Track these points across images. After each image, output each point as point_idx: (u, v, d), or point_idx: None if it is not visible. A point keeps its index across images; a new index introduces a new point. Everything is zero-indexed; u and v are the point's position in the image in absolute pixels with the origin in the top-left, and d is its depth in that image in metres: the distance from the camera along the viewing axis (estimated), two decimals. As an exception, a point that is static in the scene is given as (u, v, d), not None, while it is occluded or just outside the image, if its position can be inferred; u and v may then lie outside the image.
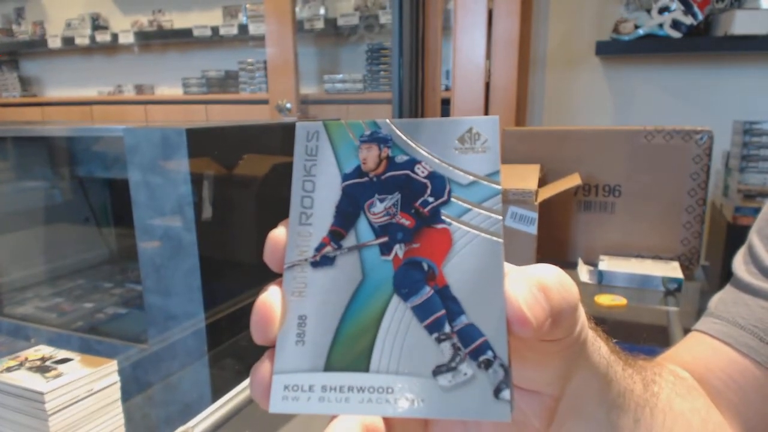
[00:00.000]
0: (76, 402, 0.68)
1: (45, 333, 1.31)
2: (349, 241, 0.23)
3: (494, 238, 0.22)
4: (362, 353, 0.22)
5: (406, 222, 0.23)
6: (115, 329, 1.32)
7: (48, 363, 0.71)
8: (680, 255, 1.08)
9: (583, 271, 1.05)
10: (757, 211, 1.62)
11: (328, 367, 0.21)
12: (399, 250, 0.23)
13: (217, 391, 0.84)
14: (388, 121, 0.24)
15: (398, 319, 0.22)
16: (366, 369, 0.21)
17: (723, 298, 0.48)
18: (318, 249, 0.23)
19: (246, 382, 0.75)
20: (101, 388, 0.71)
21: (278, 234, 0.23)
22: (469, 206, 0.23)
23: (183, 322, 1.10)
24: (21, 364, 0.70)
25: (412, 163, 0.23)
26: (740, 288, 0.47)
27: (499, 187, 0.23)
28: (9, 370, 0.69)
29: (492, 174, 0.23)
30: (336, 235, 0.23)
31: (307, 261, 0.23)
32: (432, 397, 0.21)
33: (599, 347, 0.29)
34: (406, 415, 0.21)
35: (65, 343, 1.27)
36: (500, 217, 0.23)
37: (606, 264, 1.04)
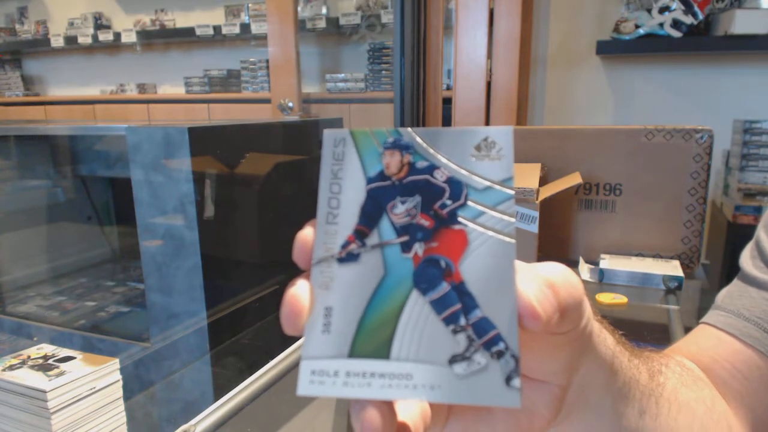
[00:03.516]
0: (79, 400, 0.69)
1: (47, 331, 1.31)
2: (373, 239, 0.25)
3: (507, 239, 0.24)
4: (384, 342, 0.23)
5: (426, 223, 0.25)
6: (118, 328, 1.32)
7: (50, 361, 0.71)
8: (681, 253, 1.08)
9: (584, 270, 1.05)
10: (756, 209, 1.62)
11: (352, 354, 0.23)
12: (419, 248, 0.25)
13: (219, 390, 0.84)
14: (409, 129, 0.26)
15: (417, 312, 0.24)
16: (387, 357, 0.23)
17: (730, 292, 0.49)
18: (344, 246, 0.25)
19: (247, 382, 0.75)
20: (103, 386, 0.72)
21: (306, 234, 0.25)
22: (484, 209, 0.25)
23: (185, 321, 1.10)
24: (23, 363, 0.71)
25: (432, 168, 0.25)
26: (747, 281, 0.48)
27: (512, 192, 0.25)
28: (12, 368, 0.69)
29: (506, 180, 0.25)
30: (360, 234, 0.25)
31: (334, 257, 0.24)
32: (448, 383, 0.22)
33: (605, 338, 0.30)
34: (424, 399, 0.22)
35: (67, 342, 1.28)
36: (513, 220, 0.24)
37: (607, 262, 1.05)
